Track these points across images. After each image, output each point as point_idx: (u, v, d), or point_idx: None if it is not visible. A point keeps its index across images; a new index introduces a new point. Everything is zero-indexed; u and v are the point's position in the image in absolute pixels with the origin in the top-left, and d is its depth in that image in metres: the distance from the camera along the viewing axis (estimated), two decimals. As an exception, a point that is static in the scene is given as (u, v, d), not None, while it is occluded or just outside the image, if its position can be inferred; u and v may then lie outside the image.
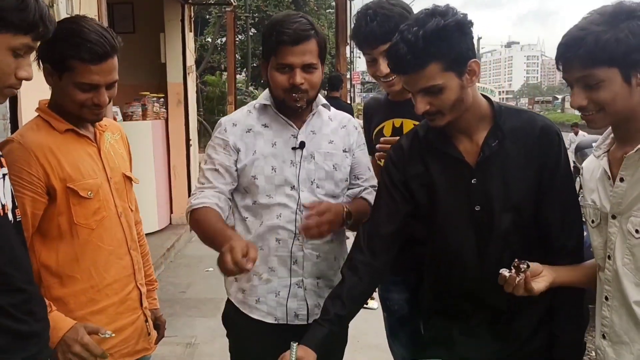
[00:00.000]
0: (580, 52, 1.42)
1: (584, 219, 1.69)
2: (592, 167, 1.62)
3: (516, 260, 1.56)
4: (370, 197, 2.04)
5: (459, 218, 1.74)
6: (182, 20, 7.28)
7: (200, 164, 2.06)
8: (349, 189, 2.08)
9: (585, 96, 1.46)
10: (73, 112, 1.77)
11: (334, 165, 2.00)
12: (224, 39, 20.73)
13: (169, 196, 7.28)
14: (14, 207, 1.42)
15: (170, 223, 7.18)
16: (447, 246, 1.78)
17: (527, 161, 1.69)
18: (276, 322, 1.97)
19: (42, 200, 1.72)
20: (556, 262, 1.68)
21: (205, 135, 15.31)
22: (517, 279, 1.55)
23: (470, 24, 1.63)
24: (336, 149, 2.02)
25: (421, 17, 1.60)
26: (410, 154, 1.82)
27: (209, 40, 22.00)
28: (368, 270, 1.80)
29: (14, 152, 1.68)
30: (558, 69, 1.51)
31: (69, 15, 3.29)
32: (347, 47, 14.88)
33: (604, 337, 1.57)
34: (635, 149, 1.45)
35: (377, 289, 2.38)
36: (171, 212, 7.29)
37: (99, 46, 1.68)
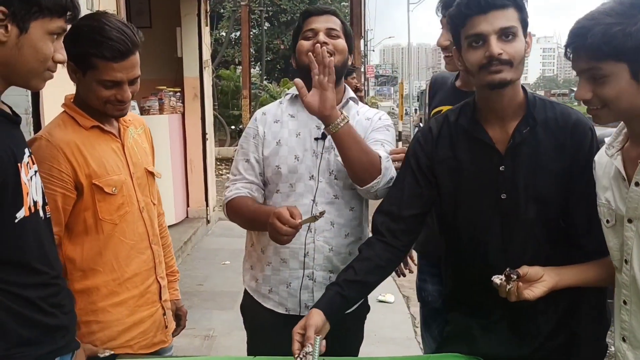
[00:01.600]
0: (587, 43, 1.36)
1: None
2: (605, 162, 1.54)
3: (507, 269, 1.56)
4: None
5: (484, 206, 1.72)
6: (199, 15, 7.28)
7: (235, 154, 2.14)
8: None
9: (590, 89, 1.41)
10: (97, 108, 1.80)
11: None
12: (238, 33, 20.74)
13: (186, 190, 7.32)
14: (44, 204, 1.44)
15: (187, 216, 7.23)
16: (470, 235, 1.77)
17: (557, 153, 1.66)
18: (287, 313, 1.99)
19: (71, 196, 1.75)
20: (580, 260, 1.65)
21: (220, 129, 15.35)
22: (507, 287, 1.54)
23: None
24: None
25: None
26: (438, 138, 1.80)
27: (223, 34, 22.04)
28: (386, 247, 1.79)
29: (43, 149, 1.71)
30: (567, 57, 1.46)
31: (89, 11, 3.31)
32: (362, 41, 14.84)
33: (624, 340, 1.52)
34: None
35: (400, 279, 2.38)
36: (188, 205, 7.33)
37: (121, 44, 1.70)
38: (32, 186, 1.37)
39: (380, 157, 1.88)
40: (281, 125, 2.04)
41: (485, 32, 1.59)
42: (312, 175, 1.97)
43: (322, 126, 1.92)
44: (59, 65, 1.39)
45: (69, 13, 1.35)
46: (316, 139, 1.99)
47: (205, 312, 4.61)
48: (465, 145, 1.75)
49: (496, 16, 1.58)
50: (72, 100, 1.85)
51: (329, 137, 1.93)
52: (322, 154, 1.98)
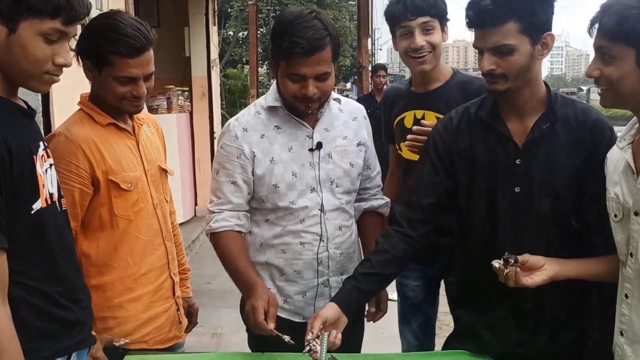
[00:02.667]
0: (604, 21, 1.39)
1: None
2: (616, 158, 1.56)
3: (506, 253, 1.57)
4: (384, 209, 2.12)
5: (498, 198, 1.73)
6: (206, 15, 7.34)
7: (213, 175, 1.98)
8: (361, 181, 2.07)
9: (598, 67, 1.44)
10: (113, 104, 1.82)
11: (350, 163, 1.98)
12: (245, 32, 20.77)
13: (194, 188, 7.36)
14: (60, 196, 1.46)
15: (195, 215, 7.26)
16: (482, 227, 1.78)
17: (574, 150, 1.67)
18: (304, 321, 1.96)
19: (88, 192, 1.78)
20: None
21: (227, 128, 15.39)
22: (505, 271, 1.55)
23: None
24: (351, 144, 2.00)
25: None
26: (458, 128, 1.81)
27: (231, 33, 22.09)
28: (403, 238, 1.81)
29: (62, 145, 1.73)
30: (589, 33, 1.47)
31: (98, 10, 3.34)
32: (369, 40, 14.83)
33: (621, 334, 1.54)
34: None
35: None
36: (195, 204, 7.37)
37: (135, 40, 1.72)
38: (48, 178, 1.39)
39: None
40: (269, 141, 1.91)
41: (480, 47, 1.64)
42: (314, 188, 1.93)
43: (313, 135, 1.91)
44: (67, 66, 1.38)
45: (68, 12, 1.31)
46: (310, 149, 1.92)
47: (214, 310, 4.63)
48: (484, 136, 1.76)
49: (492, 33, 1.61)
50: (87, 98, 1.88)
51: (323, 145, 1.91)
52: (319, 164, 1.93)
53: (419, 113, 2.23)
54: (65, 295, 1.41)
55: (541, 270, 1.59)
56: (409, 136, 2.10)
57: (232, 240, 1.90)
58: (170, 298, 2.00)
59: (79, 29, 1.44)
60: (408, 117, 2.26)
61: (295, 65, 1.76)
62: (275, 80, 1.96)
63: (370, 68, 9.43)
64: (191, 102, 7.21)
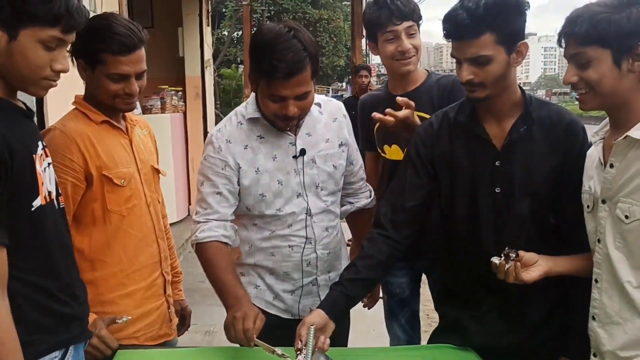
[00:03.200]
0: (576, 30, 1.46)
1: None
2: (593, 155, 1.64)
3: (507, 248, 1.62)
4: (370, 205, 2.18)
5: (479, 199, 1.79)
6: (200, 15, 7.38)
7: (198, 186, 1.99)
8: (344, 177, 2.11)
9: (576, 73, 1.50)
10: (107, 102, 1.86)
11: (333, 165, 2.01)
12: (240, 32, 20.80)
13: (187, 188, 7.38)
14: (58, 194, 1.50)
15: (189, 214, 7.28)
16: (465, 227, 1.83)
17: (550, 151, 1.73)
18: (293, 318, 2.01)
19: (81, 186, 1.81)
20: (569, 254, 1.71)
21: (221, 128, 15.40)
22: (506, 266, 1.60)
23: (527, 5, 1.69)
24: (333, 147, 2.02)
25: None
26: (438, 132, 1.87)
27: (225, 33, 22.11)
28: (387, 242, 1.86)
29: (57, 139, 1.77)
30: (559, 44, 1.54)
31: (92, 12, 3.37)
32: (363, 40, 14.88)
33: (593, 318, 1.60)
34: (624, 136, 1.48)
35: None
36: (189, 203, 7.39)
37: (127, 38, 1.77)
38: (46, 177, 1.42)
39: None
40: (253, 152, 1.93)
41: (459, 57, 1.70)
42: (299, 194, 1.96)
43: (296, 141, 1.94)
44: (64, 71, 1.42)
45: (67, 21, 1.34)
46: (294, 157, 1.95)
47: (207, 308, 4.66)
48: (463, 140, 1.82)
49: (469, 45, 1.66)
50: (82, 98, 1.92)
51: (307, 151, 1.94)
52: (303, 170, 1.96)
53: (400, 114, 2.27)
54: (63, 290, 1.45)
55: (536, 266, 1.65)
56: (388, 110, 2.12)
57: (220, 253, 1.88)
58: (162, 296, 2.03)
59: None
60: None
61: (276, 88, 1.78)
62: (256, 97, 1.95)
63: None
64: (185, 102, 7.24)
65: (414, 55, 2.23)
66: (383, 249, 1.85)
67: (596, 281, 1.59)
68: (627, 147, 1.49)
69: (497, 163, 1.77)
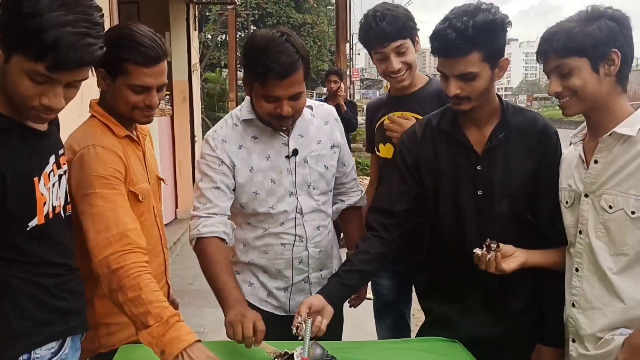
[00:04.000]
0: (554, 45, 1.62)
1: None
2: (570, 157, 1.79)
3: (488, 239, 1.74)
4: (361, 202, 2.28)
5: (463, 201, 1.90)
6: (187, 20, 7.41)
7: (196, 183, 2.03)
8: (336, 177, 2.19)
9: (560, 83, 1.65)
10: (125, 114, 1.82)
11: (325, 166, 2.10)
12: (224, 36, 20.81)
13: (175, 191, 7.41)
14: (66, 204, 1.54)
15: (176, 217, 7.33)
16: (450, 227, 1.94)
17: (527, 155, 1.86)
18: (287, 315, 2.09)
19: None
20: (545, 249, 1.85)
21: (206, 131, 15.39)
22: (488, 256, 1.72)
23: (509, 23, 1.80)
24: (325, 148, 2.11)
25: (470, 9, 1.75)
26: (422, 139, 1.97)
27: (209, 37, 22.08)
28: (380, 241, 1.97)
29: (100, 155, 1.71)
30: (538, 61, 1.70)
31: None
32: (347, 44, 15.02)
33: (573, 305, 1.74)
34: (610, 132, 1.63)
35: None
36: (176, 206, 7.43)
37: (152, 50, 1.74)
38: (52, 193, 1.45)
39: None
40: (247, 151, 2.00)
41: (447, 73, 1.81)
42: (292, 192, 2.04)
43: (289, 142, 2.02)
44: (53, 110, 1.35)
45: (49, 60, 1.22)
46: (287, 156, 2.02)
47: (196, 309, 4.72)
48: (446, 146, 1.93)
49: (457, 62, 1.77)
50: (97, 102, 1.88)
51: (299, 152, 2.03)
52: (295, 169, 2.03)
53: (397, 114, 2.36)
54: (60, 287, 1.51)
55: (514, 257, 1.77)
56: (390, 115, 2.24)
57: (220, 251, 1.93)
58: (165, 302, 2.08)
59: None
60: (387, 120, 2.39)
61: (270, 88, 1.85)
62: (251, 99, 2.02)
63: (348, 72, 9.44)
64: (172, 105, 7.28)
65: (407, 71, 2.28)
66: (377, 246, 1.96)
67: (577, 270, 1.73)
68: (612, 143, 1.64)
69: (478, 167, 1.88)
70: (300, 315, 1.75)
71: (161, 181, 2.12)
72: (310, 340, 1.73)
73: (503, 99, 1.93)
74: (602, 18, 1.60)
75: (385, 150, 2.38)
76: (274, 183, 2.01)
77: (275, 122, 1.95)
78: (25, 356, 1.43)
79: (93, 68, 1.76)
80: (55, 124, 1.57)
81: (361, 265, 1.94)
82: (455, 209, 1.92)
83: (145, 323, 1.55)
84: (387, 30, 2.19)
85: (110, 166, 1.71)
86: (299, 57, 1.85)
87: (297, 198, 2.04)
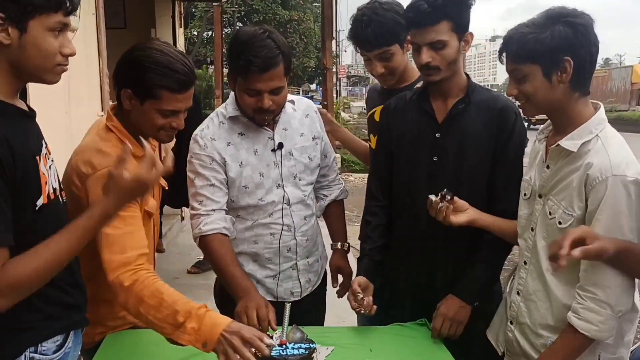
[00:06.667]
0: (509, 49, 1.67)
1: None
2: (536, 150, 1.84)
3: (445, 190, 1.86)
4: (342, 196, 2.40)
5: (419, 165, 2.04)
6: (173, 17, 7.43)
7: (190, 184, 2.09)
8: (320, 169, 2.29)
9: (515, 87, 1.70)
10: (149, 134, 1.84)
11: (309, 157, 2.20)
12: (210, 33, 20.78)
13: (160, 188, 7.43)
14: (61, 189, 1.57)
15: (162, 213, 7.35)
16: (404, 190, 2.11)
17: (484, 128, 1.99)
18: (275, 300, 2.16)
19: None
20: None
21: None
22: (440, 204, 1.85)
23: (474, 1, 1.96)
24: (307, 140, 2.20)
25: None
26: (395, 109, 2.16)
27: (195, 33, 22.05)
28: (384, 210, 2.19)
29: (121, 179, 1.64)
30: (500, 62, 1.74)
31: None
32: (333, 41, 15.07)
33: (518, 293, 1.84)
34: (556, 144, 1.68)
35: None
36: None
37: (185, 76, 1.74)
38: (51, 175, 1.50)
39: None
40: (236, 147, 2.07)
41: (419, 43, 1.94)
42: (279, 184, 2.12)
43: (274, 136, 2.11)
44: (73, 54, 1.45)
45: (64, 7, 1.39)
46: (273, 150, 2.11)
47: (182, 303, 4.78)
48: (412, 114, 2.10)
49: (429, 31, 1.91)
50: (114, 112, 1.84)
51: (285, 145, 2.12)
52: (281, 162, 2.12)
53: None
54: (65, 280, 1.54)
55: (465, 212, 1.90)
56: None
57: (224, 245, 2.02)
58: (188, 299, 2.09)
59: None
60: (378, 112, 2.46)
61: (252, 82, 1.94)
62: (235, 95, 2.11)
63: (334, 69, 9.53)
64: (158, 102, 7.29)
65: (390, 75, 2.36)
66: (383, 217, 2.18)
67: (525, 263, 1.82)
68: (559, 154, 1.69)
69: (437, 135, 2.03)
70: (359, 294, 1.96)
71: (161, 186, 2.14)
72: (290, 326, 1.80)
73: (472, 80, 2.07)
74: (559, 23, 1.59)
75: (375, 142, 2.46)
76: (262, 176, 2.09)
77: (257, 116, 2.03)
78: (32, 349, 1.46)
79: (117, 87, 1.78)
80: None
81: (380, 240, 2.16)
82: (411, 171, 2.07)
83: (175, 323, 1.56)
84: (371, 38, 2.27)
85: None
86: (279, 53, 1.93)
87: (284, 189, 2.12)
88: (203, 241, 2.04)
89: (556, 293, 1.71)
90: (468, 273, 2.01)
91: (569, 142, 1.65)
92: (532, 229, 1.79)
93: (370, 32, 2.26)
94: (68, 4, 1.40)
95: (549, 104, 1.68)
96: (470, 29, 2.00)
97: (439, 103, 2.05)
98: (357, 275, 2.09)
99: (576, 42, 1.58)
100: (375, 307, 1.97)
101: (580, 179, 1.61)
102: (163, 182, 2.13)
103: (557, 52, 1.59)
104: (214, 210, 2.05)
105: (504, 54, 1.70)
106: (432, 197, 1.88)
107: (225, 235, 2.05)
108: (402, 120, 2.12)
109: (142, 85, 1.72)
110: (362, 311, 1.96)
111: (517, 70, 1.67)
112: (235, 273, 1.98)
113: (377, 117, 2.45)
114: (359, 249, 2.23)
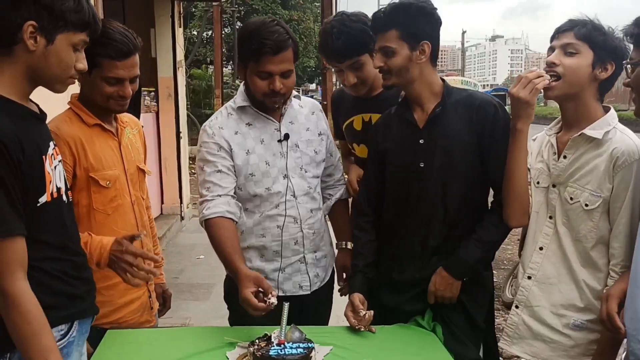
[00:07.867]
0: (577, 29, 1.88)
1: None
2: (544, 141, 2.03)
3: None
4: (345, 193, 2.43)
5: (407, 173, 2.09)
6: (172, 16, 7.42)
7: (199, 172, 2.18)
8: (325, 168, 2.33)
9: (559, 58, 1.89)
10: (101, 104, 2.00)
11: (314, 150, 2.25)
12: (209, 32, 20.78)
13: (160, 187, 7.44)
14: (67, 189, 1.63)
15: (162, 213, 7.36)
16: (395, 196, 2.15)
17: (464, 126, 2.03)
18: (284, 295, 2.18)
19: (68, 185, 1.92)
20: (484, 215, 2.07)
21: (192, 128, 15.41)
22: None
23: (432, 12, 2.01)
24: (313, 135, 2.27)
25: None
26: (383, 124, 2.23)
27: (195, 33, 22.03)
28: (373, 224, 2.24)
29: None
30: (555, 37, 1.95)
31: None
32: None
33: (529, 278, 1.97)
34: (579, 133, 1.87)
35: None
36: (162, 202, 7.46)
37: (123, 44, 1.92)
38: (56, 174, 1.56)
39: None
40: (243, 136, 2.15)
41: (376, 48, 2.05)
42: (285, 175, 2.17)
43: (280, 127, 2.17)
44: (84, 70, 1.59)
45: (93, 27, 1.55)
46: (279, 141, 2.17)
47: (182, 302, 4.79)
48: (397, 126, 2.15)
49: (380, 38, 2.05)
50: (77, 98, 2.04)
51: (290, 137, 2.17)
52: (287, 152, 2.18)
53: (366, 116, 2.47)
54: (67, 272, 1.58)
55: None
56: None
57: (222, 227, 2.04)
58: (144, 286, 2.16)
59: None
60: (357, 121, 2.50)
61: (264, 64, 2.02)
62: (242, 83, 2.21)
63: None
64: (157, 102, 7.30)
65: (361, 84, 2.38)
66: (373, 232, 2.23)
67: (541, 249, 1.95)
68: (581, 142, 1.87)
69: (421, 141, 2.07)
70: (362, 310, 2.04)
71: (145, 172, 2.22)
72: (289, 325, 1.81)
73: (448, 84, 2.12)
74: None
75: (360, 150, 2.50)
76: (268, 165, 2.15)
77: (267, 100, 2.10)
78: None
79: None
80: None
81: (372, 256, 2.21)
82: (400, 180, 2.13)
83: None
84: (341, 50, 2.30)
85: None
86: (288, 37, 2.04)
87: (290, 180, 2.17)
88: (206, 226, 2.07)
89: (581, 276, 1.88)
90: (460, 251, 2.05)
91: (593, 131, 1.85)
92: (550, 217, 1.93)
93: (340, 44, 2.28)
94: (93, 27, 1.55)
95: (578, 88, 1.89)
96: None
97: (419, 112, 2.10)
98: (351, 292, 2.13)
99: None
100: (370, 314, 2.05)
101: (608, 163, 1.82)
102: (147, 170, 2.23)
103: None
104: (219, 195, 2.09)
105: (565, 31, 1.91)
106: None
107: (230, 219, 2.06)
108: (388, 132, 2.18)
109: (87, 57, 1.81)
110: (362, 328, 2.01)
111: (574, 44, 1.87)
112: (226, 254, 1.98)
113: (357, 126, 2.49)
114: None
